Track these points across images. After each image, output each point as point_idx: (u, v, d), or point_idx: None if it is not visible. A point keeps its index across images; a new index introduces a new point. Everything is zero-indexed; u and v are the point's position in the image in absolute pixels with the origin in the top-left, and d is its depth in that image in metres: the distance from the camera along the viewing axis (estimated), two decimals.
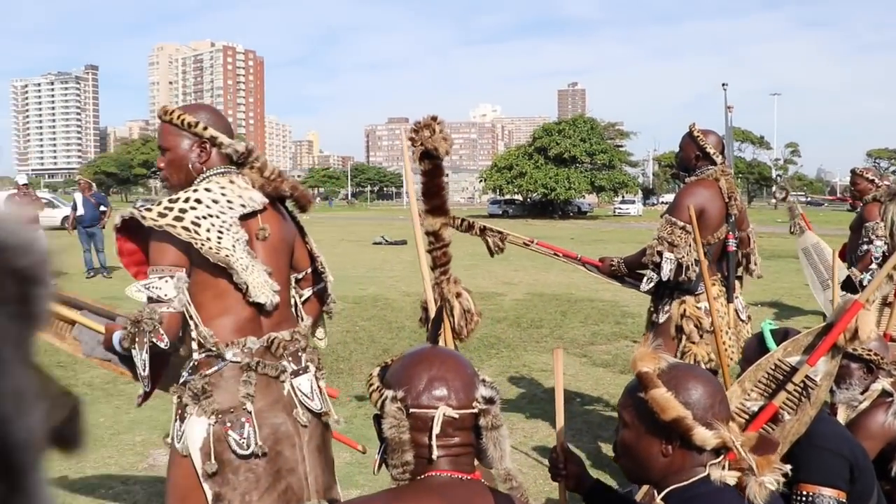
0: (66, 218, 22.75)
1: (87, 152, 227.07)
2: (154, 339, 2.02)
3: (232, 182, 2.23)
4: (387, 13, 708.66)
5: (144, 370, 2.06)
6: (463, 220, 3.76)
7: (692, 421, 1.61)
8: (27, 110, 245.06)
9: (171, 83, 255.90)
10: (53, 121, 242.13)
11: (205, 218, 2.11)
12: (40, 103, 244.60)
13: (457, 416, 1.46)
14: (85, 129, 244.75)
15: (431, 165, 2.63)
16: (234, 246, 2.12)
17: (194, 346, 2.17)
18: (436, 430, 1.45)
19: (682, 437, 1.62)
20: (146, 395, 2.27)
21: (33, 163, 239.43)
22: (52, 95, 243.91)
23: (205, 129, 2.23)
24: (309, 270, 2.51)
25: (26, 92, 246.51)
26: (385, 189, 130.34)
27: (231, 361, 2.13)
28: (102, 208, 13.58)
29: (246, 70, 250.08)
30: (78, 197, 13.72)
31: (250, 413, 2.11)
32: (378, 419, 1.52)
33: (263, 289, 2.16)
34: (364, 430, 4.49)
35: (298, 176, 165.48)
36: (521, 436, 4.87)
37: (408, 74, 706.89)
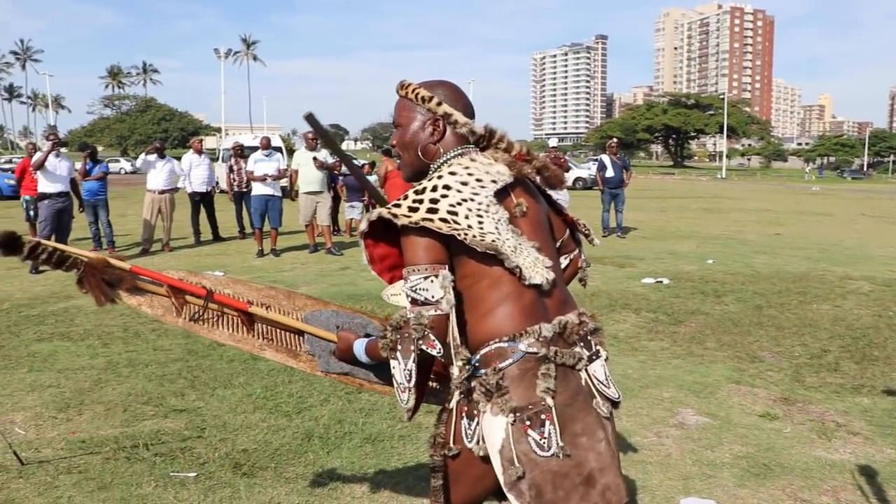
0: (578, 179, 28.54)
1: (594, 118, 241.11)
2: (424, 346, 1.78)
3: (473, 160, 1.97)
4: None
5: (410, 381, 1.81)
6: None
7: None
8: (543, 80, 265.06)
9: (675, 49, 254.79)
10: (566, 89, 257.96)
11: (459, 204, 1.86)
12: (555, 73, 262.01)
13: None
14: (593, 96, 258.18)
15: None
16: (497, 228, 1.87)
17: (464, 345, 1.90)
18: None
19: None
20: (415, 409, 1.91)
21: (546, 128, 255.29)
22: (566, 65, 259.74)
23: (439, 104, 2.00)
24: (566, 236, 2.29)
25: (543, 63, 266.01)
26: None
27: (527, 353, 1.86)
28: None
29: (754, 31, 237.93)
30: (605, 158, 14.19)
31: (550, 409, 1.83)
32: None
33: (537, 268, 1.91)
34: (885, 420, 4.38)
35: (806, 144, 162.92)
36: None
37: None
